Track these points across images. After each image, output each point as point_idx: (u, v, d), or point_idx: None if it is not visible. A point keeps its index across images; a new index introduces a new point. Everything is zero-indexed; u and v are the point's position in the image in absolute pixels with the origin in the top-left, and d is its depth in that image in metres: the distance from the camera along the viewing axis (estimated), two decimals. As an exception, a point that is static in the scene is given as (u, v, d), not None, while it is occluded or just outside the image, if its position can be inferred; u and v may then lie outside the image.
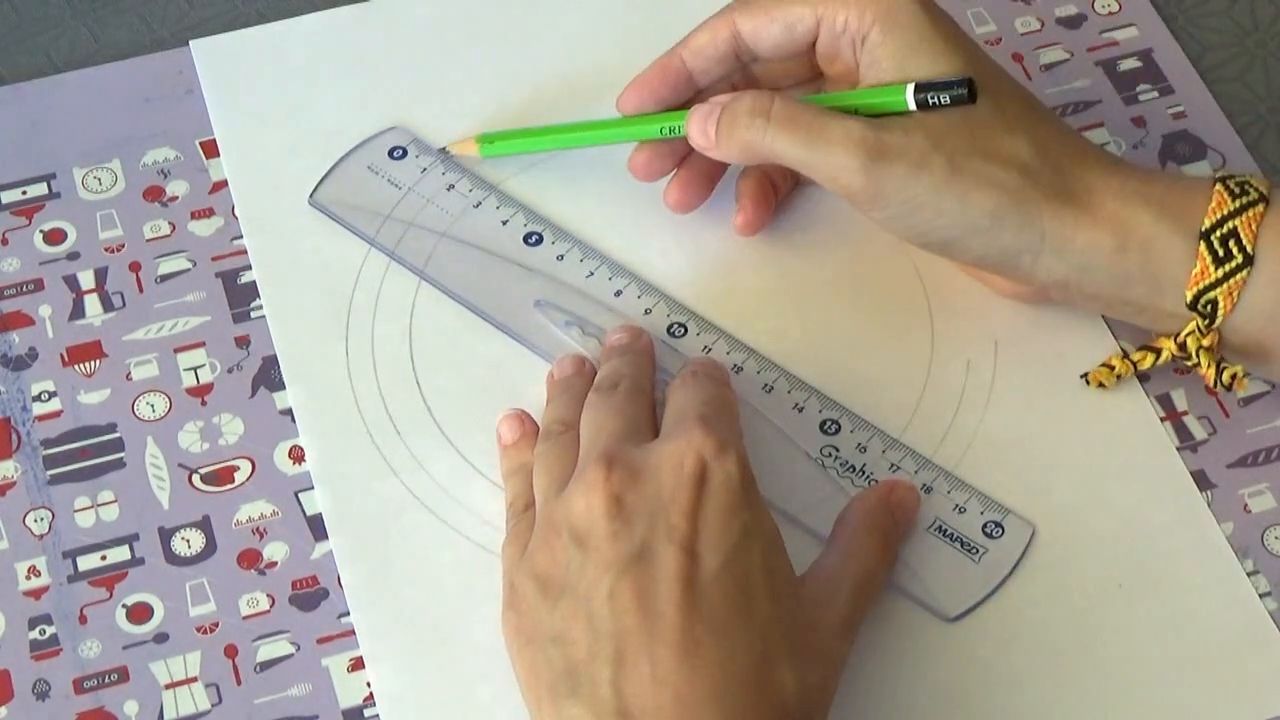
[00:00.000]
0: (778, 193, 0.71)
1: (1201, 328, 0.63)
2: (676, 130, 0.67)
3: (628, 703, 0.54)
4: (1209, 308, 0.63)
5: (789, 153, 0.64)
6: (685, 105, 0.68)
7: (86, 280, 0.70)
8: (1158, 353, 0.66)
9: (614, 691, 0.54)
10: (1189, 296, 0.63)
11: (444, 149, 0.73)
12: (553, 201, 0.72)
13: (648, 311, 0.69)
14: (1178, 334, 0.64)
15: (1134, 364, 0.67)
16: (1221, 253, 0.62)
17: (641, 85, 0.68)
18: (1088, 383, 0.67)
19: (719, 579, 0.55)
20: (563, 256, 0.70)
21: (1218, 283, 0.62)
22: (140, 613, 0.63)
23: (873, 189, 0.62)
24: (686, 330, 0.68)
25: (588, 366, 0.66)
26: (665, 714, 0.53)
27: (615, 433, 0.60)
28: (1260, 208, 0.63)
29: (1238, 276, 0.62)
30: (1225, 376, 0.64)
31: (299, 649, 0.62)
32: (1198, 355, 0.64)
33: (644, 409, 0.62)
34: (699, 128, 0.66)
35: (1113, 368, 0.67)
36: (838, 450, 0.65)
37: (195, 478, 0.66)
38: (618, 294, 0.69)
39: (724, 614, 0.55)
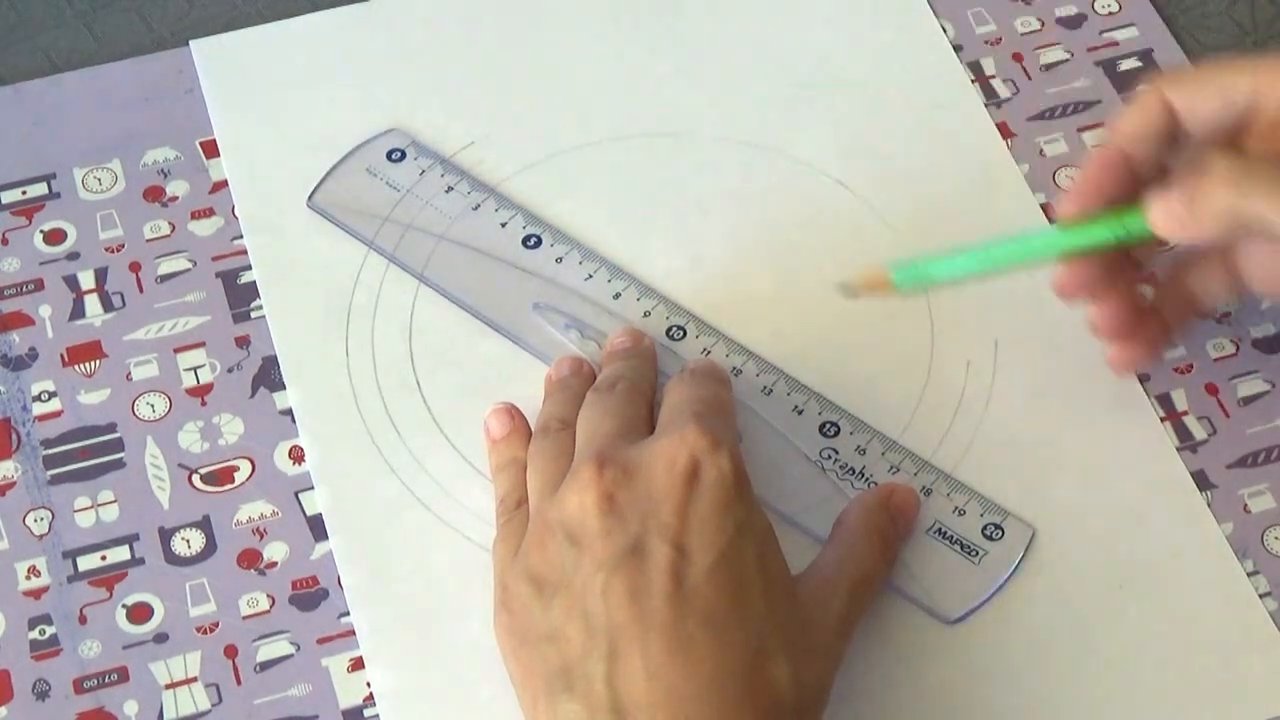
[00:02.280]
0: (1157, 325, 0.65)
1: None
2: (1132, 228, 0.61)
3: (622, 698, 0.54)
4: None
5: None
6: (1127, 202, 0.62)
7: (86, 280, 0.70)
8: None
9: (608, 687, 0.54)
10: None
11: (845, 283, 0.64)
12: (552, 203, 0.72)
13: (647, 314, 0.69)
14: None
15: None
16: None
17: (1084, 186, 0.62)
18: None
19: (711, 575, 0.55)
20: (562, 259, 0.70)
21: None
22: (140, 613, 0.63)
23: None
24: (686, 332, 0.68)
25: (586, 368, 0.66)
26: (659, 708, 0.54)
27: (610, 432, 0.60)
28: None
29: None
30: None
31: (299, 649, 0.62)
32: None
33: (641, 409, 0.62)
34: (1163, 211, 0.60)
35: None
36: (837, 452, 0.65)
37: (195, 478, 0.66)
38: (617, 296, 0.69)
39: (716, 609, 0.55)
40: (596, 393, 0.63)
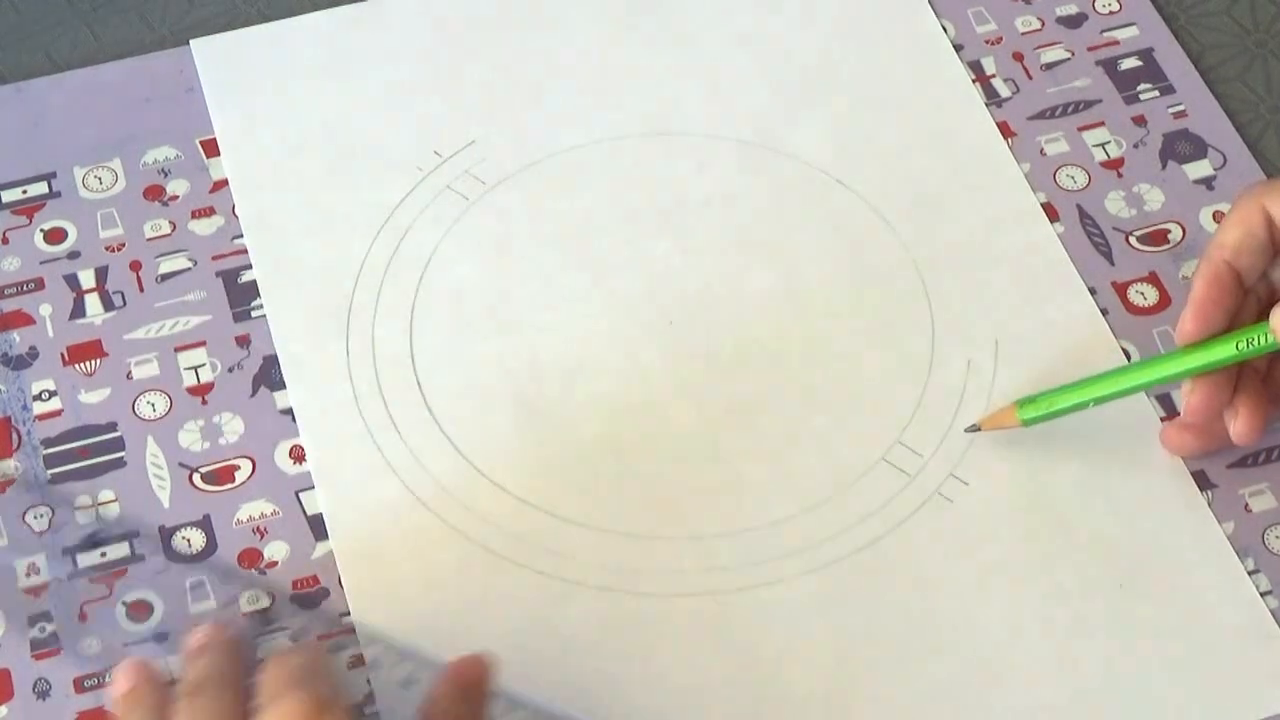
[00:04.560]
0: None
1: None
2: (1256, 343, 0.61)
3: None
4: None
5: None
6: (1239, 316, 0.63)
7: (87, 279, 0.70)
8: None
9: None
10: None
11: (975, 425, 0.66)
12: (552, 201, 0.72)
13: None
14: None
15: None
16: None
17: (1202, 305, 0.62)
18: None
19: None
20: None
21: None
22: (140, 611, 0.63)
23: None
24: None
25: (151, 672, 0.59)
26: None
27: None
28: None
29: None
30: None
31: (299, 648, 0.62)
32: None
33: (234, 705, 0.56)
34: None
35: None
36: None
37: (195, 477, 0.66)
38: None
39: None
40: (183, 700, 0.56)
